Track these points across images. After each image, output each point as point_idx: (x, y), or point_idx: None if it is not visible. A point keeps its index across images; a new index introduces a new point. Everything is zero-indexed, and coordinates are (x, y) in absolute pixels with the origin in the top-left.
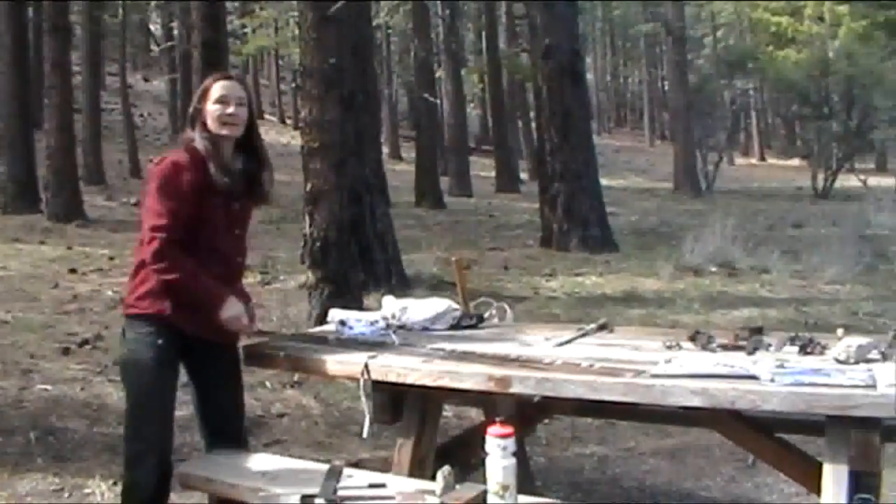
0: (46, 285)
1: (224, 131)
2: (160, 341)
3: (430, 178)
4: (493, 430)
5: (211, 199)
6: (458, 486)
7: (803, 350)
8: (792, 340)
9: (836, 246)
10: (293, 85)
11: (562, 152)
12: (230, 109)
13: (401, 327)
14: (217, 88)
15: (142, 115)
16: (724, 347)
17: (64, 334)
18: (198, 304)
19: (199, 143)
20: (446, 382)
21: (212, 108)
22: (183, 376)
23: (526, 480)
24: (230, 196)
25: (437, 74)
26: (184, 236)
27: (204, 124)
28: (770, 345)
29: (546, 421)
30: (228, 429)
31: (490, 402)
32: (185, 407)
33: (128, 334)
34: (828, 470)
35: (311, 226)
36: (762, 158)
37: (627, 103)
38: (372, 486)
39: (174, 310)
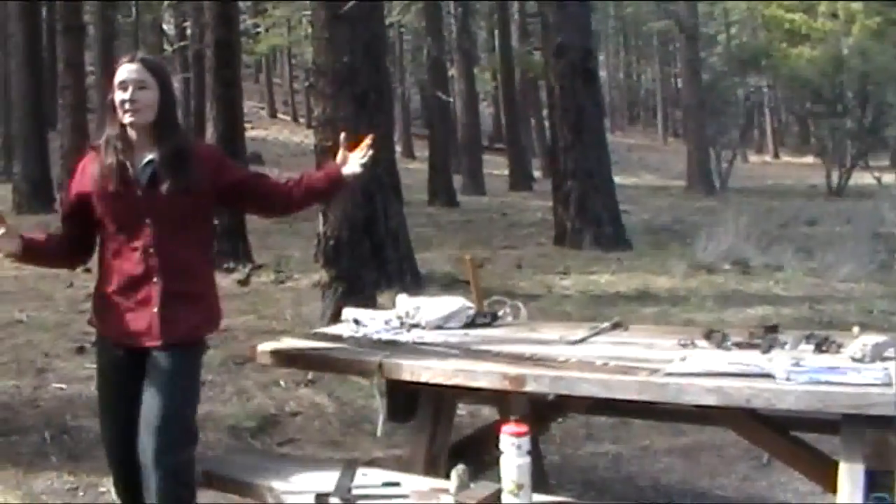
0: (61, 284)
1: (125, 119)
2: (101, 356)
3: (442, 176)
4: (508, 428)
5: (109, 188)
6: (472, 485)
7: (819, 348)
8: (807, 339)
9: (851, 244)
10: (306, 84)
11: (575, 150)
12: (127, 94)
13: (414, 326)
14: (118, 73)
15: None
16: (739, 345)
17: (78, 333)
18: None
19: (105, 133)
20: (460, 381)
21: (116, 96)
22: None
23: (540, 479)
24: (128, 185)
25: (450, 73)
26: (82, 228)
27: (115, 114)
28: (785, 343)
29: (560, 419)
30: (142, 447)
31: (504, 401)
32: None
33: None
34: (843, 469)
35: (324, 225)
36: (776, 156)
37: (640, 101)
38: (386, 484)
39: (96, 315)
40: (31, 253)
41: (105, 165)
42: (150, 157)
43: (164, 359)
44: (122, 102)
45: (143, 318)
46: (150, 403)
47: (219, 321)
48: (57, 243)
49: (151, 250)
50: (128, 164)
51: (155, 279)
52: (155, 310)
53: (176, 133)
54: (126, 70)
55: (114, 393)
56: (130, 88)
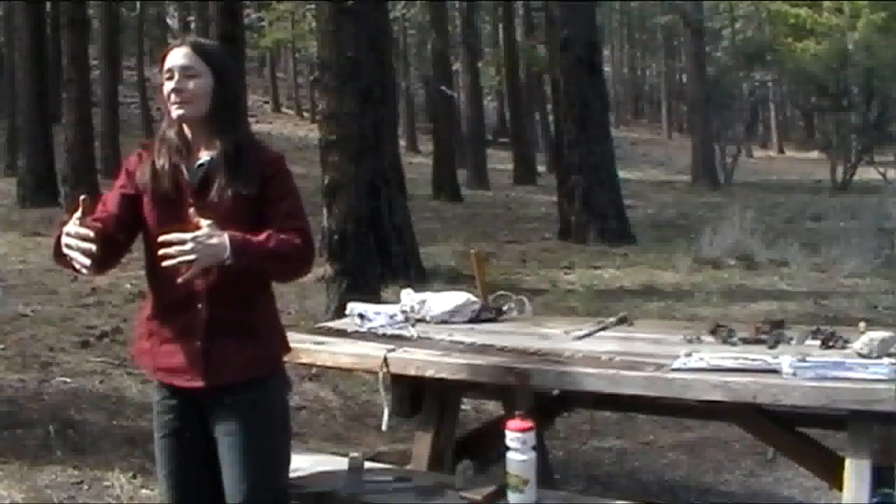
0: (65, 278)
1: (172, 112)
2: (155, 399)
3: (447, 170)
4: (513, 424)
5: (156, 192)
6: (477, 480)
7: (825, 344)
8: (814, 334)
9: (856, 239)
10: (310, 78)
11: (579, 145)
12: (172, 84)
13: (419, 320)
14: (166, 61)
15: (159, 109)
16: (745, 341)
17: (83, 327)
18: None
19: (160, 130)
20: (465, 376)
21: (164, 87)
22: None
23: (544, 474)
24: (178, 190)
25: (454, 67)
26: (124, 228)
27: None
28: (791, 338)
29: (565, 414)
30: None
31: (509, 396)
32: None
33: None
34: (849, 465)
35: (328, 219)
36: (781, 151)
37: (645, 95)
38: (398, 479)
39: (137, 344)
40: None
41: (153, 166)
42: (204, 158)
43: (229, 409)
44: (169, 93)
45: (183, 352)
46: (228, 475)
47: (278, 359)
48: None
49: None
50: (181, 165)
51: (199, 305)
52: (198, 343)
53: (234, 129)
54: (172, 56)
55: (171, 448)
56: (176, 77)
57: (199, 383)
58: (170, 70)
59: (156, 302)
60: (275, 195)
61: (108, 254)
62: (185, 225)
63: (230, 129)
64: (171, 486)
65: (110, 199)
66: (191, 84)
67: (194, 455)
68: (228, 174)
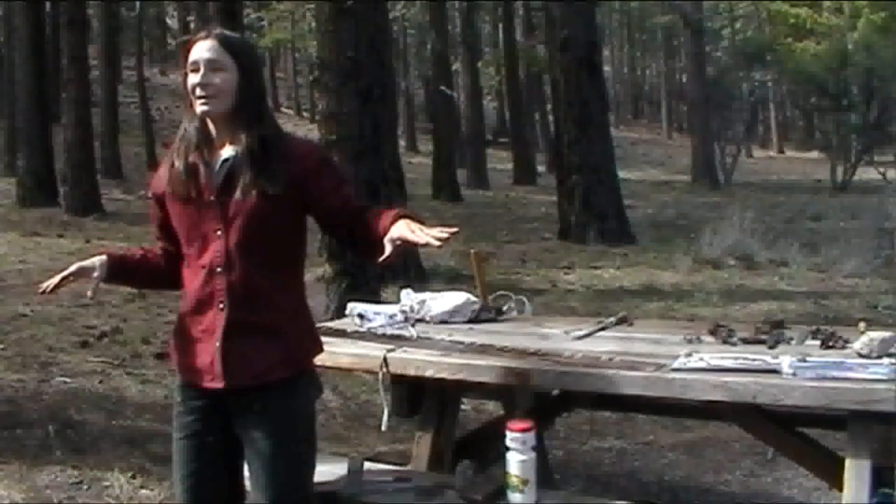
0: None
1: (197, 108)
2: (177, 399)
3: (447, 170)
4: (513, 424)
5: (178, 193)
6: (477, 480)
7: (825, 344)
8: (814, 334)
9: (856, 239)
10: (310, 78)
11: (579, 145)
12: (197, 78)
13: (419, 320)
14: (191, 53)
15: (158, 109)
16: (745, 341)
17: (82, 327)
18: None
19: (182, 127)
20: (465, 376)
21: (188, 81)
22: None
23: (544, 474)
24: (197, 190)
25: (454, 67)
26: (172, 240)
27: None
28: (791, 338)
29: (564, 414)
30: None
31: (509, 396)
32: None
33: None
34: (849, 465)
35: None
36: (780, 151)
37: (645, 95)
38: (394, 479)
39: (170, 346)
40: (120, 277)
41: (171, 168)
42: (228, 154)
43: (256, 415)
44: (193, 88)
45: (205, 352)
46: (253, 480)
47: (305, 361)
48: (149, 262)
49: (218, 269)
50: (200, 163)
51: (221, 305)
52: (217, 344)
53: (260, 124)
54: (198, 49)
55: (187, 443)
56: (202, 70)
57: (219, 384)
58: (195, 63)
59: (186, 301)
60: (329, 184)
61: (164, 267)
62: (206, 229)
63: (256, 123)
64: (188, 489)
65: (151, 207)
66: (217, 78)
67: (214, 458)
68: (253, 171)
